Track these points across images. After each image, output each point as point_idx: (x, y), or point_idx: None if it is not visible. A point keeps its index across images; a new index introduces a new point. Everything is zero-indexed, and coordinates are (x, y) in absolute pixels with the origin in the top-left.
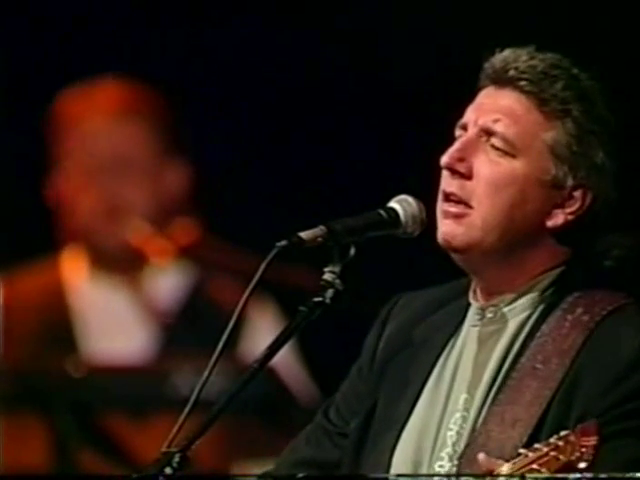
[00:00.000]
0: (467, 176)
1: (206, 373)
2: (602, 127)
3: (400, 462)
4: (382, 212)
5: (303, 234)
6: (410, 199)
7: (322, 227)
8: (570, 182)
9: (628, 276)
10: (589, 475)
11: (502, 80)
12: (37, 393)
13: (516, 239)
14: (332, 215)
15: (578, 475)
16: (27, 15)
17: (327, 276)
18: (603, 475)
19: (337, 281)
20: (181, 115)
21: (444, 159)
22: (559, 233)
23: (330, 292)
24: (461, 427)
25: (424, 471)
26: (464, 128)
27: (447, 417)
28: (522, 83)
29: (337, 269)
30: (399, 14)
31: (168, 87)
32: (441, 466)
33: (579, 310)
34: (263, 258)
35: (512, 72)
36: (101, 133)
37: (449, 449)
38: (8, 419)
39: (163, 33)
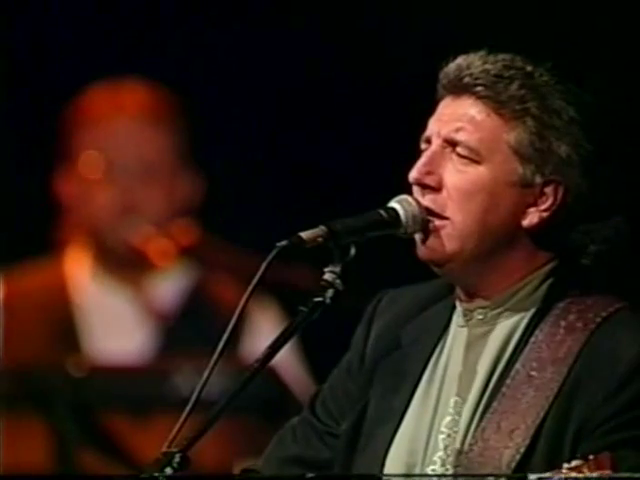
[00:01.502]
0: (437, 188)
1: (207, 373)
2: (561, 120)
3: (393, 465)
4: (382, 212)
5: (303, 234)
6: (410, 199)
7: (322, 227)
8: (539, 179)
9: (609, 272)
10: (592, 475)
11: (458, 88)
12: (37, 393)
13: (494, 243)
14: (332, 215)
15: (580, 476)
16: (41, 13)
17: (327, 276)
18: (603, 476)
19: (337, 281)
20: (197, 121)
21: (412, 174)
22: (537, 232)
23: (330, 292)
24: (452, 430)
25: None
26: (428, 141)
27: (438, 420)
28: (478, 89)
29: (337, 269)
30: (399, 13)
31: (169, 89)
32: (434, 470)
33: (572, 316)
34: (263, 258)
35: (467, 79)
36: (124, 134)
37: (441, 453)
38: (8, 419)
39: (165, 35)
